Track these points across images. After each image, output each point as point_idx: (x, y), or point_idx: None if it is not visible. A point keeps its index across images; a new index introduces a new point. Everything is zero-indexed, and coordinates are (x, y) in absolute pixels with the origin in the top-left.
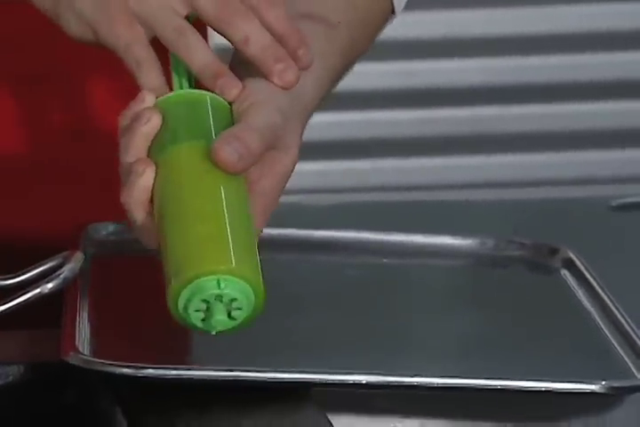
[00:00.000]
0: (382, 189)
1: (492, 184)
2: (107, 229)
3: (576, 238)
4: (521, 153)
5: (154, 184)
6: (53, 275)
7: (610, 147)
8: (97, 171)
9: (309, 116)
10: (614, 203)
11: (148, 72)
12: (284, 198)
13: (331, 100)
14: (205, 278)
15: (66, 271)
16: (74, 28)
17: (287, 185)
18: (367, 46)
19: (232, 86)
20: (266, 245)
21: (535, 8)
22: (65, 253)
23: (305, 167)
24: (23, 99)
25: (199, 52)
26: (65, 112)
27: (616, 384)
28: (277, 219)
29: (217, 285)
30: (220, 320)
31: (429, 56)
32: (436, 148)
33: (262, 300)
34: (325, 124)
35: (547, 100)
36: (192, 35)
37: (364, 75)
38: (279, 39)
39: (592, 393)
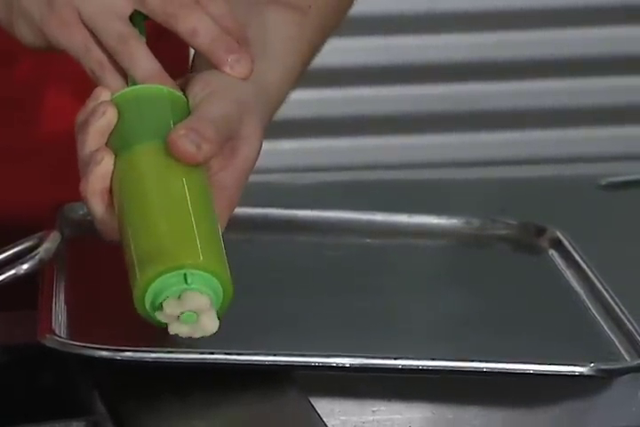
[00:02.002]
0: (366, 168)
1: (478, 163)
2: (83, 209)
3: (564, 218)
4: (508, 131)
5: (114, 180)
6: (29, 256)
7: (598, 125)
8: (73, 151)
9: (276, 105)
10: (603, 181)
11: (111, 73)
12: (266, 177)
13: (312, 77)
14: (172, 273)
15: (41, 252)
16: (26, 34)
17: (269, 164)
18: (334, 30)
19: None
20: (248, 225)
21: None
22: (40, 234)
23: (286, 146)
24: None
25: (142, 62)
26: (28, 94)
27: (604, 367)
28: (259, 198)
29: (184, 280)
30: (189, 316)
31: (411, 32)
32: (422, 125)
33: (230, 294)
34: (308, 101)
35: (532, 77)
36: (135, 43)
37: (345, 51)
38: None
39: (580, 376)
